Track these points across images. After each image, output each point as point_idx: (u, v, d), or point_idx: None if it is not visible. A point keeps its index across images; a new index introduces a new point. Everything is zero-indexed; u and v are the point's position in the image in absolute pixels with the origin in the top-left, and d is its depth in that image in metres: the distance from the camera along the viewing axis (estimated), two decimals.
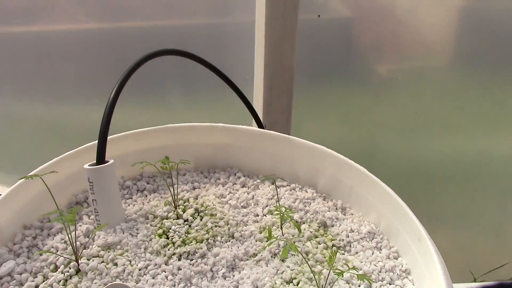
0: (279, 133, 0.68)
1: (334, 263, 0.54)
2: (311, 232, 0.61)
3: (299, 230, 0.57)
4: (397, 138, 1.03)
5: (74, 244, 0.53)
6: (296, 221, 0.62)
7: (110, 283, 0.51)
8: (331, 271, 0.51)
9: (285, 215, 0.54)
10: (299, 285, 0.53)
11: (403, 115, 1.00)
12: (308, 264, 0.52)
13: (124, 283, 0.52)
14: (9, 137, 1.18)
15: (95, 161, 0.59)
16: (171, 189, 0.64)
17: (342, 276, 0.49)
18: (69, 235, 0.54)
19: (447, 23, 0.90)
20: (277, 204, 0.62)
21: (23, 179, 0.57)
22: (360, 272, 0.55)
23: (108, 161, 0.59)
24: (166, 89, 1.06)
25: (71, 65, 1.06)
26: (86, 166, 0.58)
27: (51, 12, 1.01)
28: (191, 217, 0.62)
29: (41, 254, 0.55)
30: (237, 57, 1.00)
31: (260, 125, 0.80)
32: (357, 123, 1.04)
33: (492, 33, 0.87)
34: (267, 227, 0.61)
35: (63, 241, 0.57)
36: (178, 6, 0.98)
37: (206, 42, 1.02)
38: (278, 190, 0.68)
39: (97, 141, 0.66)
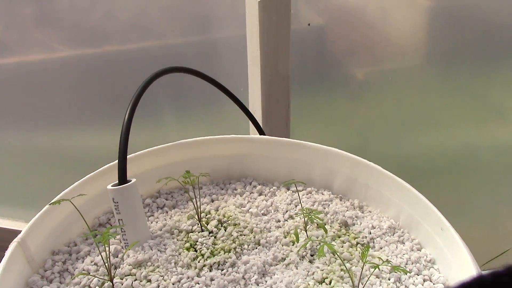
0: (293, 140, 0.70)
1: (361, 260, 0.56)
2: (334, 232, 0.63)
3: (325, 230, 0.58)
4: (385, 138, 1.05)
5: (108, 263, 0.53)
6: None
7: None
8: (364, 267, 0.53)
9: (313, 216, 0.56)
10: (332, 284, 0.55)
11: (388, 115, 1.03)
12: (343, 262, 0.53)
13: None
14: None
15: (116, 182, 0.59)
16: (194, 202, 0.64)
17: (379, 269, 0.51)
18: (101, 256, 0.54)
19: (417, 22, 0.93)
20: (301, 207, 0.63)
21: (49, 205, 0.57)
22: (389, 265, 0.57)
23: (131, 180, 0.59)
24: (155, 107, 1.05)
25: (50, 95, 1.04)
26: (109, 187, 0.58)
27: (24, 43, 0.99)
28: (215, 229, 0.63)
29: (73, 279, 0.55)
30: (229, 71, 1.01)
31: (262, 133, 0.82)
32: (344, 127, 1.06)
33: (462, 28, 0.90)
34: (290, 231, 0.63)
35: (93, 263, 0.58)
36: (162, 27, 0.99)
37: (197, 60, 1.03)
38: (296, 194, 0.70)
39: (112, 163, 0.66)
